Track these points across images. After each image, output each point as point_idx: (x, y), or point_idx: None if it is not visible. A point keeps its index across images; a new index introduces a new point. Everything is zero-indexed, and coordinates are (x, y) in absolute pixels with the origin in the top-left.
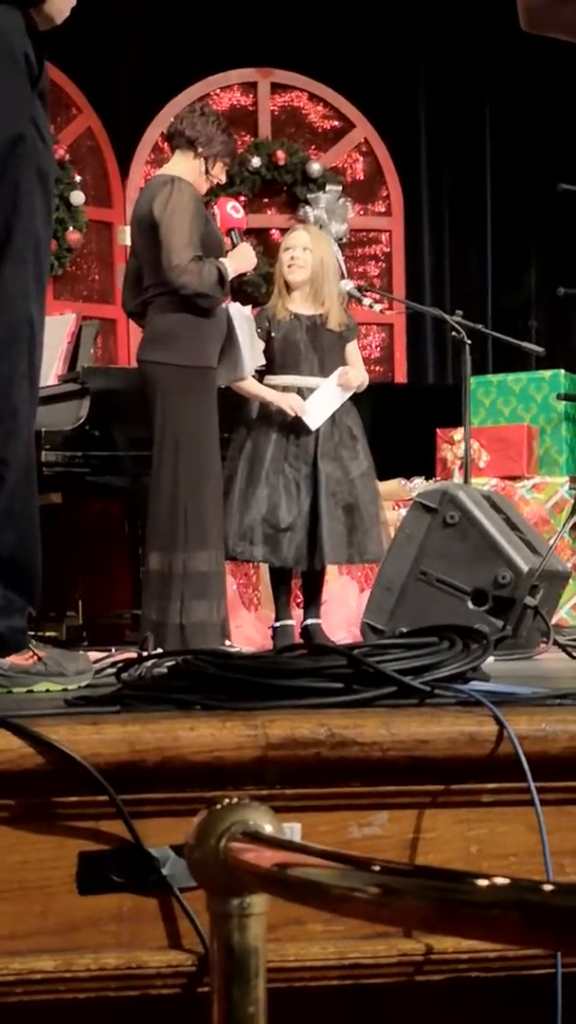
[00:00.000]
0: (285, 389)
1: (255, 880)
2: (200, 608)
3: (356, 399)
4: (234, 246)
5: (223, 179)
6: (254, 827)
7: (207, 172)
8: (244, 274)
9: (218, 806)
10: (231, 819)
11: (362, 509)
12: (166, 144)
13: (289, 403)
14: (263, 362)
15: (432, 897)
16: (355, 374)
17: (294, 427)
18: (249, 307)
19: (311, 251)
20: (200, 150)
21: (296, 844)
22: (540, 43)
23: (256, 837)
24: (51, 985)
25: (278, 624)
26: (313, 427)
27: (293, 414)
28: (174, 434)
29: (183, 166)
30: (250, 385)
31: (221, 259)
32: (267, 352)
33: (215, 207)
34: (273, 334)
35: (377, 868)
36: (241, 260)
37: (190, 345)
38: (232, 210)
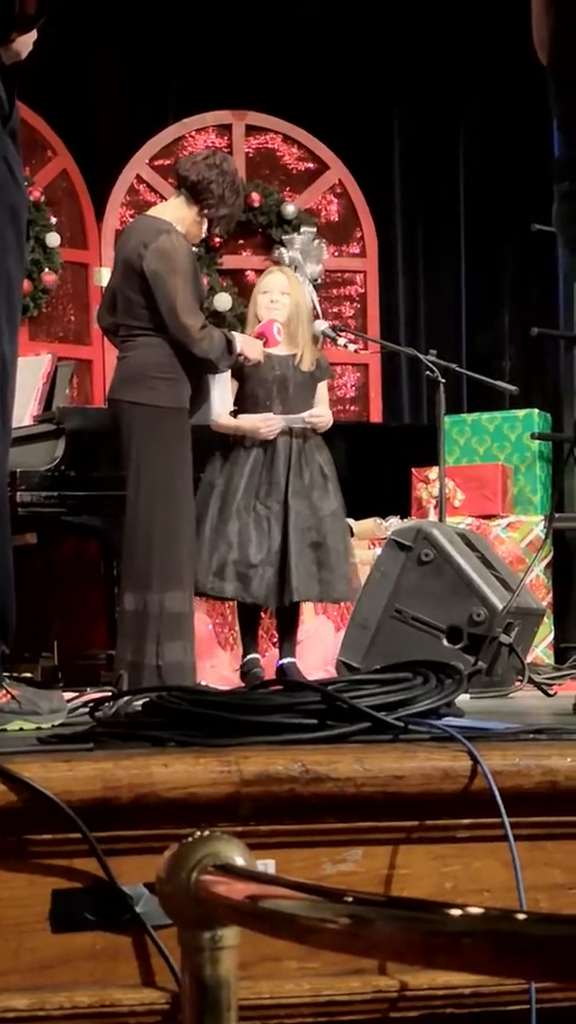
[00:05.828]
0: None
1: (226, 912)
2: (175, 648)
3: (330, 438)
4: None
5: (220, 236)
6: (225, 860)
7: (207, 230)
8: (241, 354)
9: (189, 839)
10: (202, 852)
11: (331, 547)
12: (142, 187)
13: (256, 425)
14: (232, 408)
15: (404, 927)
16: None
17: (266, 464)
18: None
19: (288, 295)
20: (206, 211)
21: (267, 876)
22: (512, 86)
23: (227, 869)
24: None
25: (244, 659)
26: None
27: (267, 434)
28: (148, 474)
29: (180, 212)
30: (224, 420)
31: (234, 332)
32: (239, 390)
33: (262, 329)
34: (245, 372)
35: (349, 899)
36: (251, 347)
37: (164, 386)
38: (276, 333)
